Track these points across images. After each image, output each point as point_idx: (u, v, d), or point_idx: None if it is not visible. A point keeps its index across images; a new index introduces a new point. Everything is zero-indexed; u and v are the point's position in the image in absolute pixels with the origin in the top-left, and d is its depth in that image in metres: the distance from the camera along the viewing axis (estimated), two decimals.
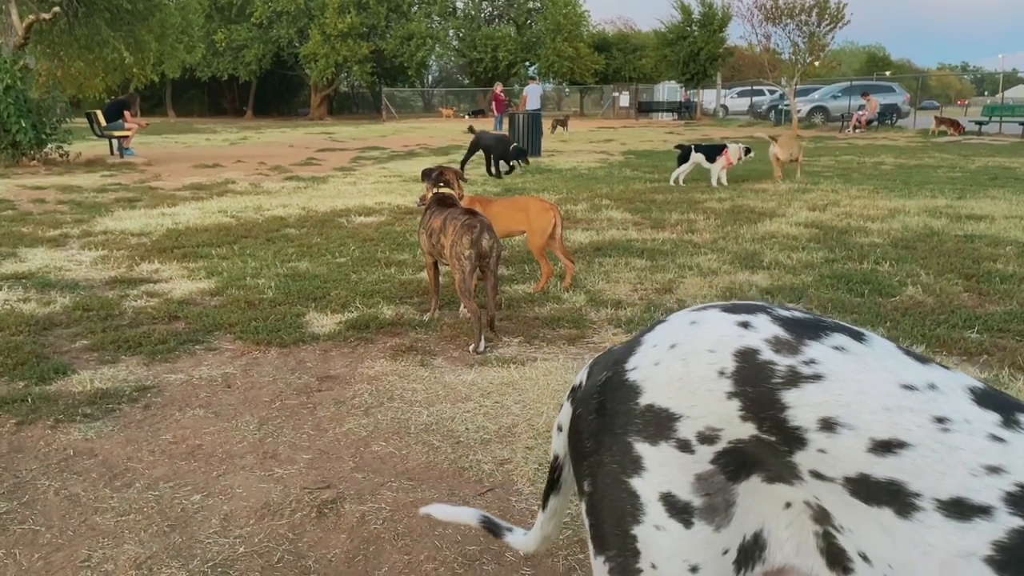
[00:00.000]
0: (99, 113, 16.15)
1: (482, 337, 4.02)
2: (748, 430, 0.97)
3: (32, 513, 2.49)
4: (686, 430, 1.00)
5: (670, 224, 7.68)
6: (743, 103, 37.89)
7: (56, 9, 15.99)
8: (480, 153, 12.84)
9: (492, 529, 1.46)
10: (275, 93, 51.06)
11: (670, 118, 37.62)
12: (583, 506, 1.09)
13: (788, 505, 0.99)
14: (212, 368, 3.80)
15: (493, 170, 12.45)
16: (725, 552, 1.00)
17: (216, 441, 3.01)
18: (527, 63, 48.13)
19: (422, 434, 3.06)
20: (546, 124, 20.47)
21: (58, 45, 17.88)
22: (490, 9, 50.53)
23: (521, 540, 1.44)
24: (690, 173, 10.96)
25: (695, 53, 36.11)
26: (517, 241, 6.07)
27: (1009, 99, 32.54)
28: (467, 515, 1.48)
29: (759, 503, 1.00)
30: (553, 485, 1.32)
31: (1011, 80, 42.34)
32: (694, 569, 1.00)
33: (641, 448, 1.02)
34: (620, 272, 5.67)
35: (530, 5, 49.64)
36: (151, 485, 2.67)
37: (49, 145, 14.43)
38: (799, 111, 27.13)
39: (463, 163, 12.63)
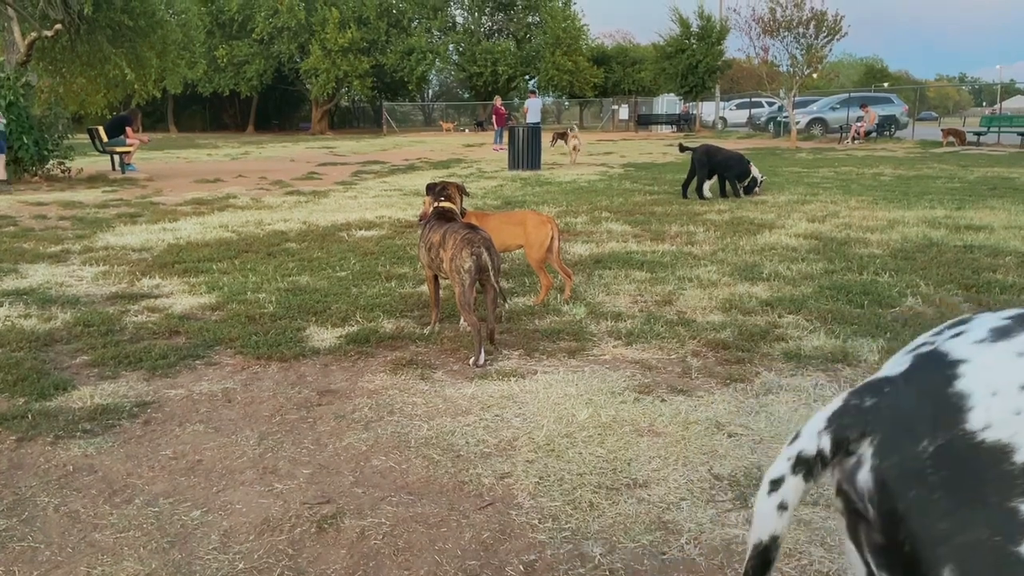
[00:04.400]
0: (101, 129, 16.24)
1: (482, 350, 4.03)
2: None
3: (31, 530, 2.48)
4: None
5: (670, 236, 7.69)
6: (742, 115, 38.01)
7: (58, 26, 16.11)
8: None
9: None
10: (276, 108, 51.34)
11: (669, 130, 37.75)
12: None
13: None
14: (212, 383, 3.80)
15: (729, 189, 10.78)
16: None
17: (216, 456, 3.01)
18: (527, 77, 48.36)
19: (422, 448, 3.06)
20: (545, 137, 20.53)
21: (60, 62, 17.99)
22: (490, 24, 50.81)
23: None
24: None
25: (693, 66, 36.21)
26: (517, 254, 6.08)
27: (1007, 110, 32.64)
28: None
29: None
30: (768, 566, 1.21)
31: (1009, 91, 42.49)
32: None
33: None
34: (620, 284, 5.68)
35: (529, 19, 49.94)
36: (151, 501, 2.66)
37: (51, 161, 14.49)
38: (798, 123, 27.21)
39: (686, 185, 10.68)
